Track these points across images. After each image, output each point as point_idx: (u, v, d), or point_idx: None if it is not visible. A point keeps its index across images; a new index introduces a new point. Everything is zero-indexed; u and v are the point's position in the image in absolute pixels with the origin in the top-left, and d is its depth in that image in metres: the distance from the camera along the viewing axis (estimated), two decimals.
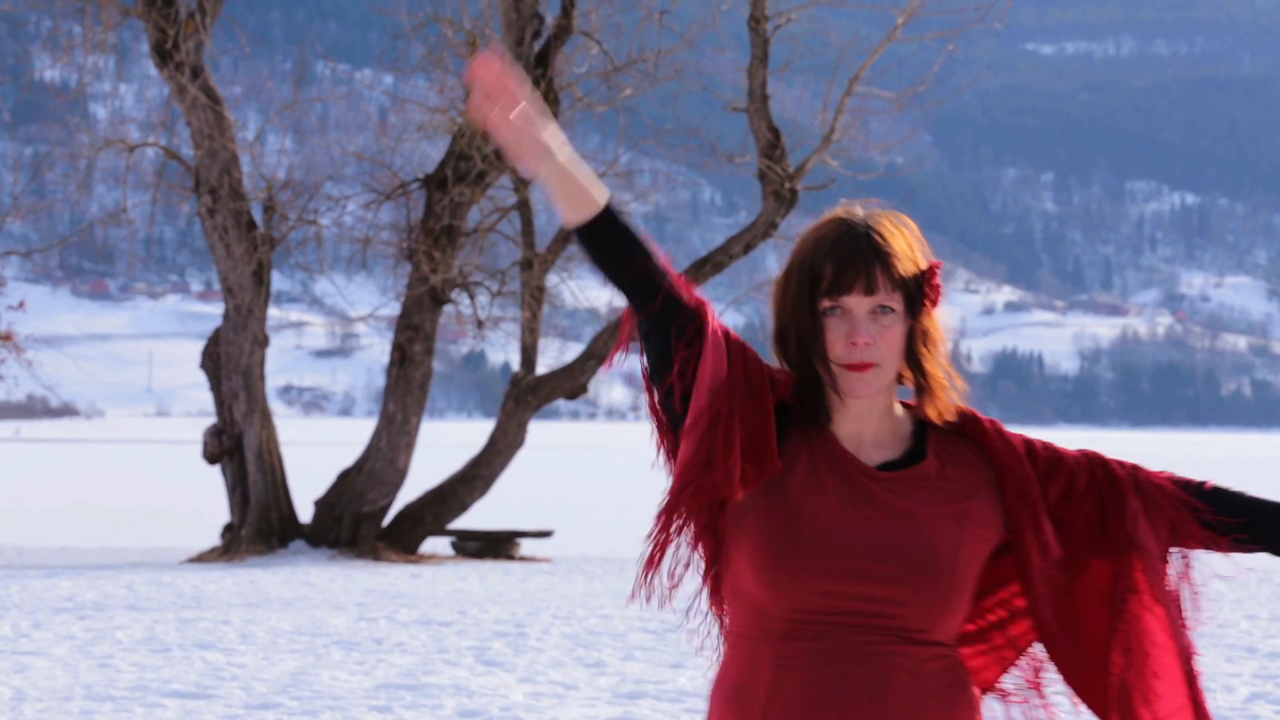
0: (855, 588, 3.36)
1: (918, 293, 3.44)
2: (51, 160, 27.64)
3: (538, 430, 30.19)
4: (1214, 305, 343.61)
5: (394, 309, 26.06)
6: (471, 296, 25.32)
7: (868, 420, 3.46)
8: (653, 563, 3.45)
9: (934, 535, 3.39)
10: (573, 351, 27.53)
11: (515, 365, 26.05)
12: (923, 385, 3.47)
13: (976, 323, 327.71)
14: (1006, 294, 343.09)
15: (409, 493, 25.85)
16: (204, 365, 25.23)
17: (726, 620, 3.47)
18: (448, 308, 25.25)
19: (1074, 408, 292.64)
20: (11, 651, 13.52)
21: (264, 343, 24.98)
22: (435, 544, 26.56)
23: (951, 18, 27.03)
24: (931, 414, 3.48)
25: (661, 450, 3.49)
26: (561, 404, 26.22)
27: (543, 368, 25.84)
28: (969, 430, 3.52)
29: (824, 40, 26.56)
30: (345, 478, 24.80)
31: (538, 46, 24.83)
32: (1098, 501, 3.52)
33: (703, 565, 3.45)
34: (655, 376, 3.44)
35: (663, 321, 3.40)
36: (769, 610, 3.38)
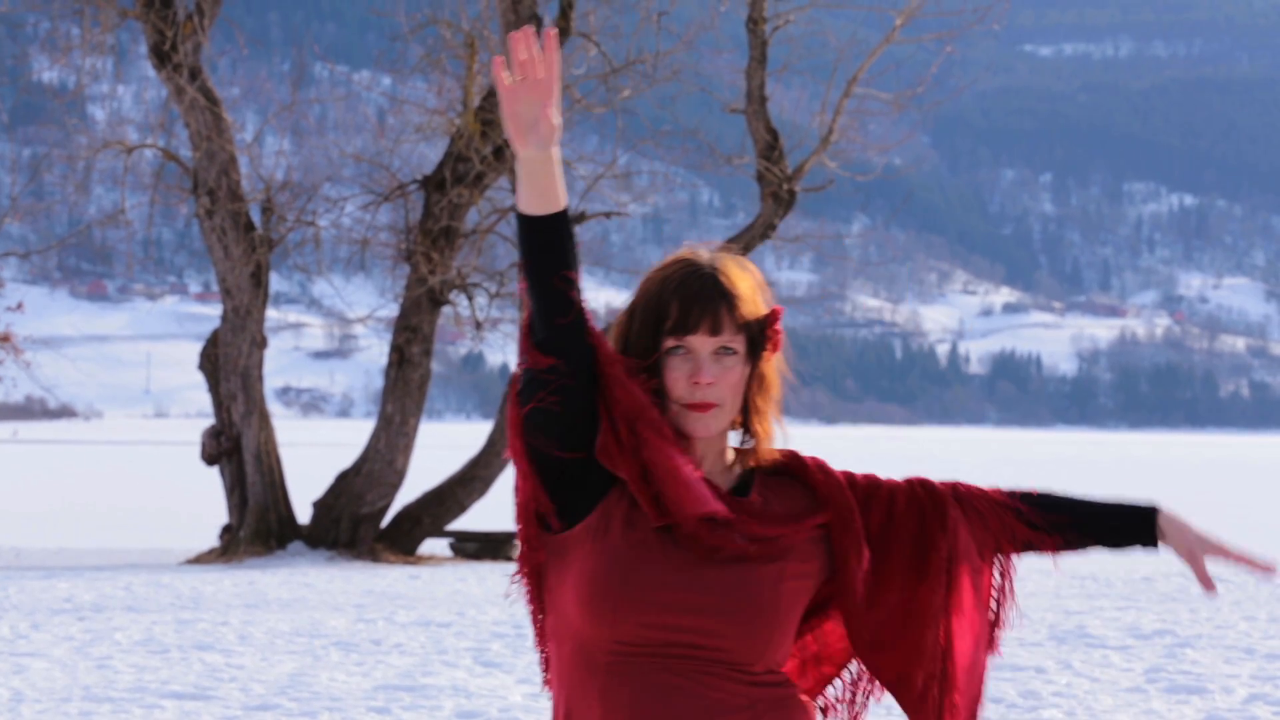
0: (674, 620, 3.39)
1: (759, 337, 3.48)
2: (50, 161, 27.64)
3: None
4: (1212, 306, 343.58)
5: (392, 310, 26.07)
6: (470, 298, 25.32)
7: (701, 460, 3.49)
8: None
9: (754, 570, 3.42)
10: None
11: (513, 366, 26.01)
12: (751, 430, 3.52)
13: (974, 324, 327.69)
14: (1004, 295, 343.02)
15: (407, 494, 25.85)
16: (202, 366, 25.23)
17: (553, 656, 3.52)
18: (446, 309, 25.25)
19: (1072, 409, 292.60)
20: (10, 653, 13.52)
21: (262, 344, 24.98)
22: (434, 545, 26.56)
23: (950, 19, 27.04)
24: (753, 460, 3.53)
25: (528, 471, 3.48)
26: None
27: None
28: (793, 468, 3.56)
29: (822, 42, 26.56)
30: (344, 479, 24.80)
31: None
32: (919, 517, 3.57)
33: (529, 606, 3.52)
34: (530, 393, 3.49)
35: (569, 339, 3.44)
36: (593, 644, 3.42)
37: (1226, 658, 13.34)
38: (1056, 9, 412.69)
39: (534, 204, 3.37)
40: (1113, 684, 11.98)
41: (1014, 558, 3.63)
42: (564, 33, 24.87)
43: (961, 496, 3.59)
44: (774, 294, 3.59)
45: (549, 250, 3.41)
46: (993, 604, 3.64)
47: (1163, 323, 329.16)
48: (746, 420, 3.52)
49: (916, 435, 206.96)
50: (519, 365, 3.51)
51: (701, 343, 3.43)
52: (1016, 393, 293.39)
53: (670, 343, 3.44)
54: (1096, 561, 25.80)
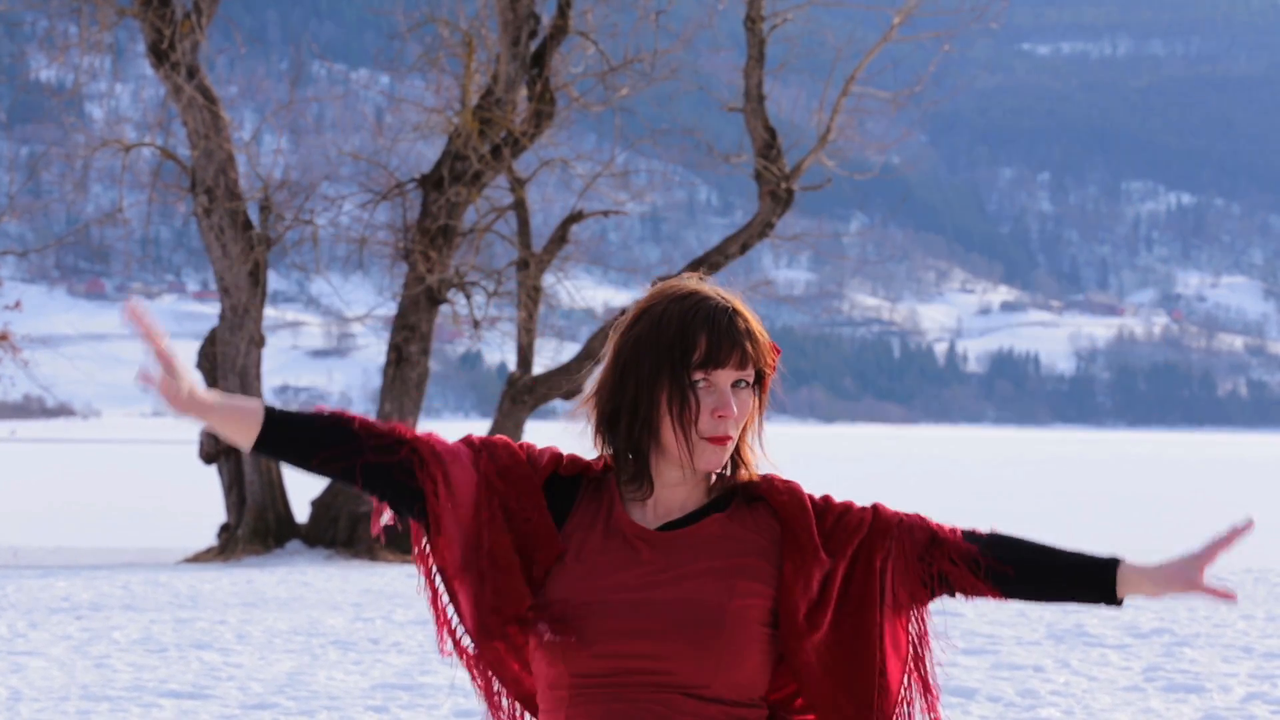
0: (626, 647, 3.39)
1: (768, 370, 3.49)
2: (47, 160, 27.63)
3: (534, 430, 30.20)
4: (1210, 305, 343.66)
5: (390, 309, 26.07)
6: (468, 296, 25.32)
7: (684, 489, 3.50)
8: (494, 705, 3.56)
9: (700, 591, 3.41)
10: (569, 351, 27.54)
11: (511, 365, 26.05)
12: (739, 458, 3.51)
13: (972, 323, 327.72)
14: (1003, 294, 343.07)
15: None
16: (200, 365, 25.22)
17: (516, 706, 3.56)
18: (444, 308, 25.25)
19: (1070, 408, 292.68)
20: (8, 651, 13.52)
21: (260, 343, 24.97)
22: None
23: (947, 18, 27.04)
24: (737, 480, 3.52)
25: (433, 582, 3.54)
26: (558, 404, 26.20)
27: (539, 368, 25.84)
28: (765, 491, 3.54)
29: (820, 40, 26.56)
30: None
31: (534, 46, 24.83)
32: (863, 546, 3.52)
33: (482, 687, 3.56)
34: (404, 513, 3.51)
35: (379, 483, 3.45)
36: (555, 680, 3.43)
37: (1224, 656, 13.34)
38: (1054, 8, 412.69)
39: (246, 439, 3.43)
40: (1111, 683, 11.98)
41: (943, 597, 3.61)
42: (562, 31, 24.87)
43: (905, 529, 3.55)
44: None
45: (294, 453, 3.44)
46: (912, 646, 3.58)
47: (1161, 321, 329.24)
48: (736, 448, 3.51)
49: (914, 434, 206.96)
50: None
51: (726, 377, 3.43)
52: (1014, 391, 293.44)
53: (697, 375, 3.42)
54: None
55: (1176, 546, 28.95)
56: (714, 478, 3.53)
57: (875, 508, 3.56)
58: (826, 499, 3.55)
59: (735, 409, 3.42)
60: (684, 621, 3.39)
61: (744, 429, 3.49)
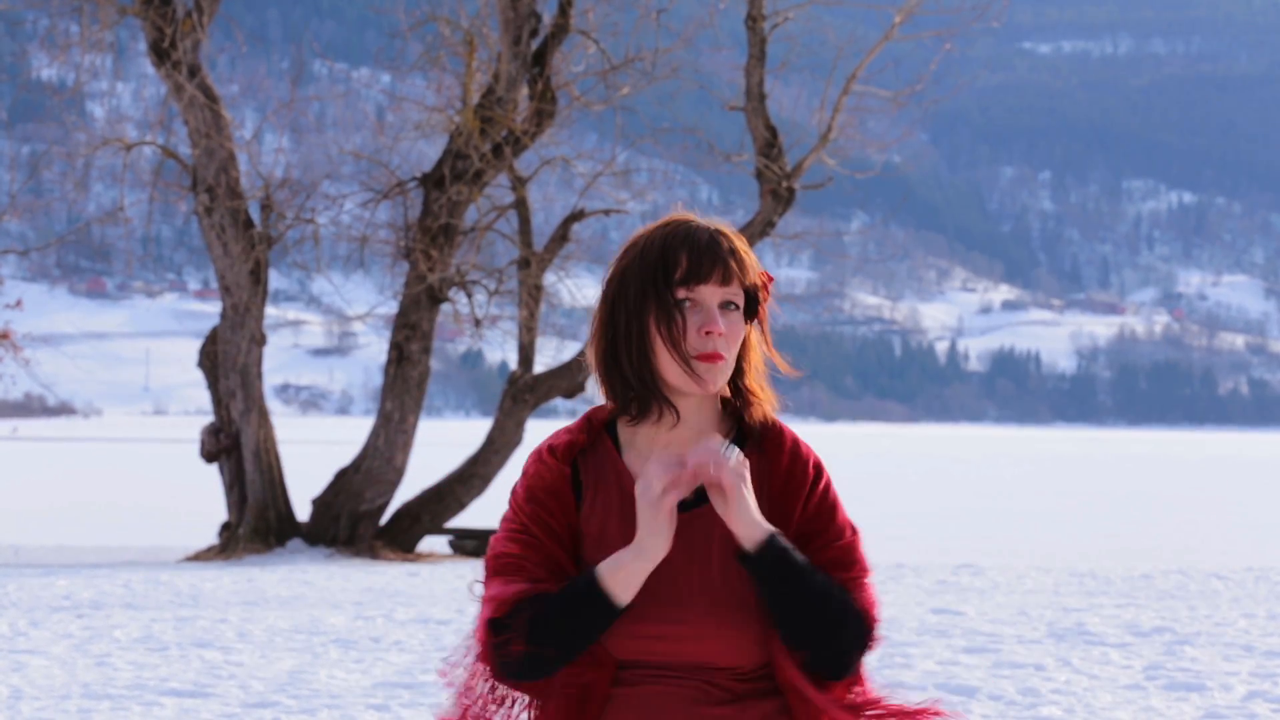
0: (660, 630, 3.40)
1: (754, 298, 3.48)
2: (49, 159, 27.63)
3: (535, 429, 30.19)
4: (1211, 304, 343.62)
5: (391, 308, 26.07)
6: (469, 295, 25.32)
7: (695, 426, 3.49)
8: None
9: (725, 574, 3.42)
10: (570, 350, 27.54)
11: (513, 364, 26.05)
12: (744, 390, 3.51)
13: (973, 321, 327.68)
14: (1004, 292, 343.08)
15: (406, 491, 25.85)
16: (201, 364, 25.22)
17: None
18: (445, 306, 25.25)
19: (1071, 407, 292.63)
20: (9, 650, 13.52)
21: (261, 341, 24.97)
22: (432, 543, 26.57)
23: (949, 16, 27.03)
24: (746, 418, 3.51)
25: None
26: (559, 402, 26.21)
27: (540, 366, 25.84)
28: (768, 442, 3.52)
29: (821, 39, 26.56)
30: (343, 476, 24.80)
31: (535, 45, 24.83)
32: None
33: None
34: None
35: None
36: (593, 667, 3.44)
37: (1225, 655, 13.34)
38: (1055, 6, 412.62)
39: (625, 595, 3.38)
40: (1112, 681, 11.98)
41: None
42: (563, 30, 24.87)
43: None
44: (775, 282, 3.60)
45: (591, 634, 3.41)
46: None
47: (1162, 320, 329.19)
48: (739, 380, 3.51)
49: (915, 433, 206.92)
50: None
51: (711, 293, 3.43)
52: (1015, 390, 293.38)
53: (681, 293, 3.43)
54: (1094, 559, 25.80)
55: (1177, 545, 28.83)
56: (723, 412, 3.51)
57: (842, 546, 3.49)
58: (820, 472, 3.53)
59: (723, 326, 3.41)
60: (716, 604, 3.41)
61: (746, 360, 3.50)
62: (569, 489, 3.47)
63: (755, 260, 3.51)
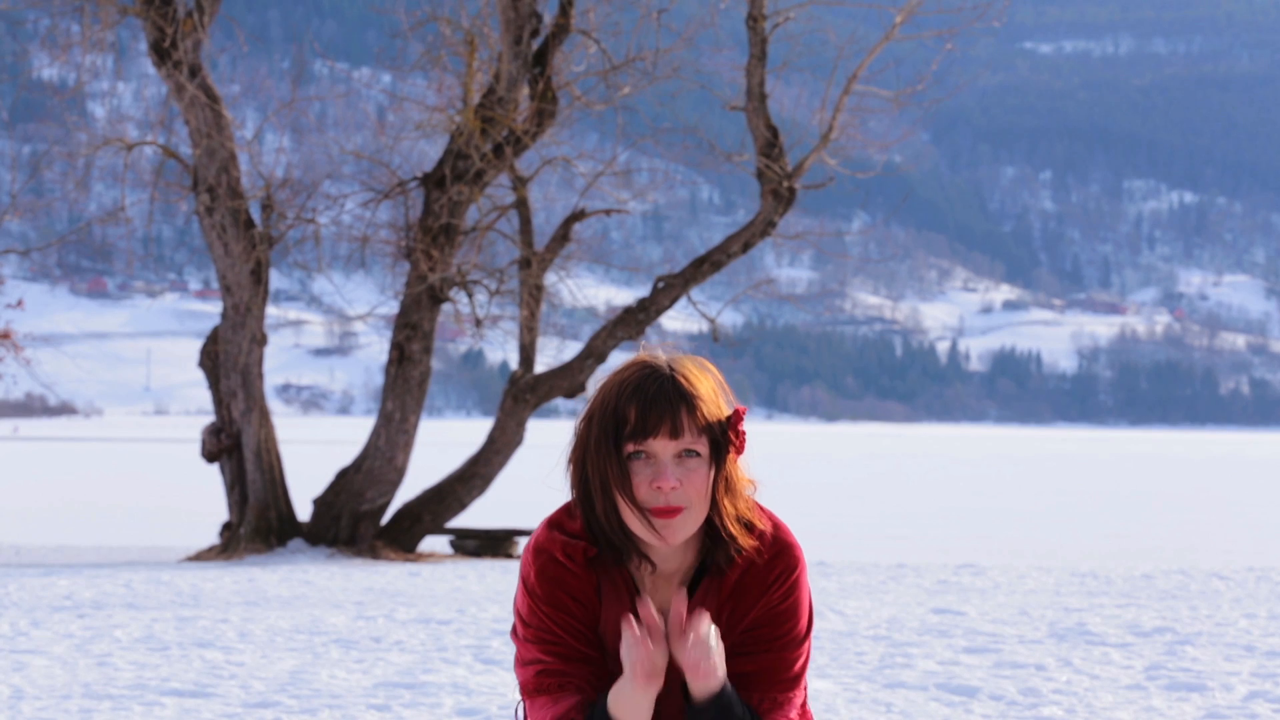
0: None
1: (723, 438, 3.43)
2: (50, 158, 27.63)
3: (536, 428, 30.21)
4: (1212, 304, 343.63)
5: (392, 307, 26.07)
6: (470, 295, 25.32)
7: (672, 560, 3.51)
8: None
9: (718, 682, 3.44)
10: (571, 350, 27.53)
11: (513, 364, 26.06)
12: (718, 532, 3.48)
13: (974, 321, 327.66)
14: (1005, 292, 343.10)
15: (407, 491, 25.85)
16: (202, 364, 25.22)
17: None
18: (446, 306, 25.25)
19: (1072, 406, 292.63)
20: (10, 650, 13.52)
21: (262, 341, 24.98)
22: (434, 543, 26.57)
23: (950, 16, 27.02)
24: (722, 556, 3.51)
25: None
26: (560, 402, 26.20)
27: (541, 366, 25.84)
28: (756, 563, 3.53)
29: (822, 39, 26.55)
30: (344, 476, 24.80)
31: (535, 45, 24.83)
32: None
33: None
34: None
35: None
36: None
37: (1226, 655, 13.34)
38: (1056, 6, 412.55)
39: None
40: (1113, 681, 11.98)
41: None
42: (564, 30, 24.87)
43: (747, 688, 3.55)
44: (735, 395, 3.51)
45: None
46: None
47: (1163, 320, 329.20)
48: (717, 522, 3.47)
49: (916, 432, 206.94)
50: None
51: (663, 447, 3.38)
52: (1017, 390, 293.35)
53: (631, 448, 3.38)
54: (1096, 559, 25.81)
55: (1177, 545, 28.85)
56: (703, 535, 3.50)
57: (785, 658, 3.53)
58: (787, 594, 3.52)
59: (674, 479, 3.36)
60: (715, 710, 3.45)
61: (721, 501, 3.44)
62: (594, 595, 3.46)
63: (722, 399, 3.45)
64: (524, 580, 3.49)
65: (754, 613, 3.50)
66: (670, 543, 3.43)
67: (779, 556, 3.52)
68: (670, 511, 3.39)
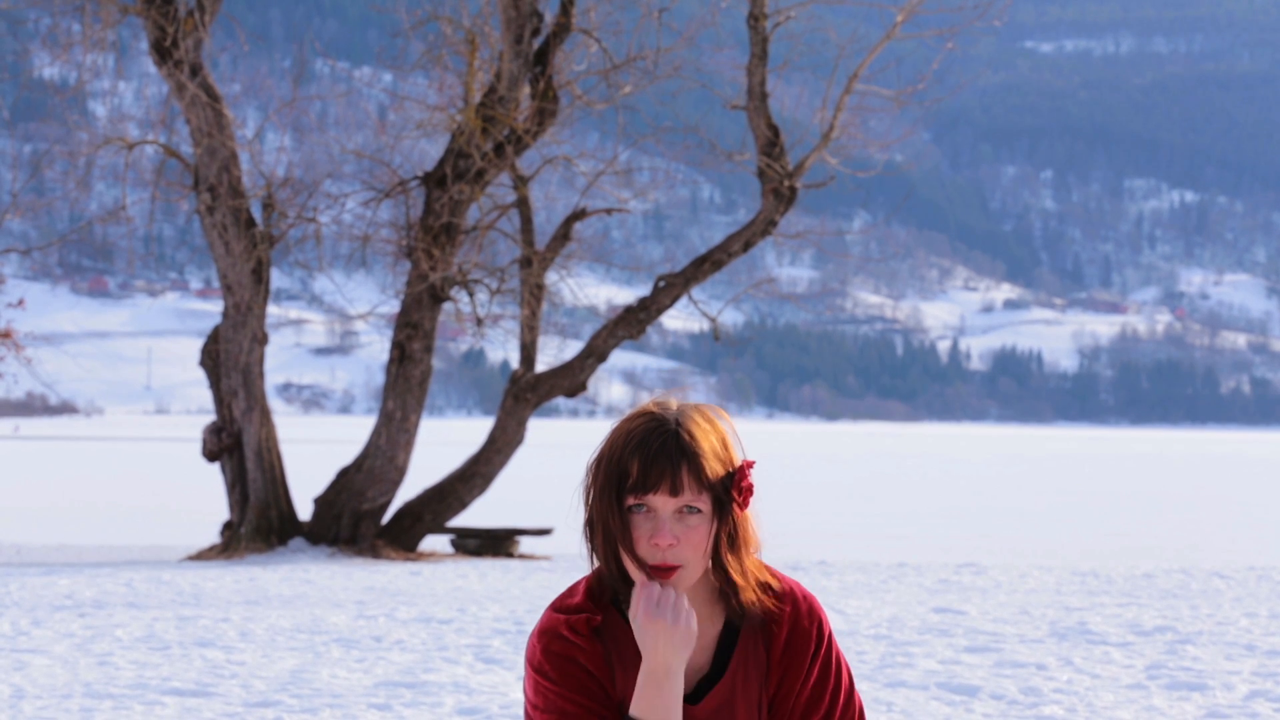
0: None
1: (726, 494, 3.40)
2: (51, 158, 27.63)
3: (537, 428, 30.23)
4: (1213, 303, 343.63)
5: (393, 306, 26.07)
6: (471, 294, 25.32)
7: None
8: None
9: None
10: (572, 349, 27.52)
11: (514, 363, 26.05)
12: (725, 587, 3.45)
13: (975, 320, 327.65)
14: (1006, 291, 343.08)
15: (408, 490, 25.84)
16: (203, 363, 25.22)
17: None
18: (447, 305, 25.25)
19: (1073, 405, 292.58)
20: (11, 649, 13.53)
21: (263, 340, 24.98)
22: (434, 542, 26.57)
23: (951, 15, 27.02)
24: (734, 610, 3.49)
25: None
26: (561, 401, 26.20)
27: (542, 365, 25.85)
28: (768, 617, 3.51)
29: (823, 38, 26.55)
30: (344, 475, 24.80)
31: (536, 44, 24.83)
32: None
33: None
34: None
35: None
36: None
37: (1227, 654, 13.34)
38: (1057, 5, 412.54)
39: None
40: (1114, 680, 11.98)
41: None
42: (565, 29, 24.87)
43: None
44: (743, 445, 3.46)
45: None
46: None
47: (1164, 319, 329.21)
48: (718, 576, 3.45)
49: (917, 432, 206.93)
50: None
51: (662, 503, 3.36)
52: (1017, 389, 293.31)
53: (632, 501, 3.37)
54: (1096, 558, 25.80)
55: (1177, 544, 28.86)
56: (718, 594, 3.49)
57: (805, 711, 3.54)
58: (824, 658, 3.53)
59: (673, 536, 3.34)
60: None
61: (725, 556, 3.42)
62: (605, 667, 3.45)
63: (727, 453, 3.42)
64: (532, 665, 3.46)
65: (798, 685, 3.50)
66: None
67: (812, 613, 3.52)
68: (666, 570, 3.38)
